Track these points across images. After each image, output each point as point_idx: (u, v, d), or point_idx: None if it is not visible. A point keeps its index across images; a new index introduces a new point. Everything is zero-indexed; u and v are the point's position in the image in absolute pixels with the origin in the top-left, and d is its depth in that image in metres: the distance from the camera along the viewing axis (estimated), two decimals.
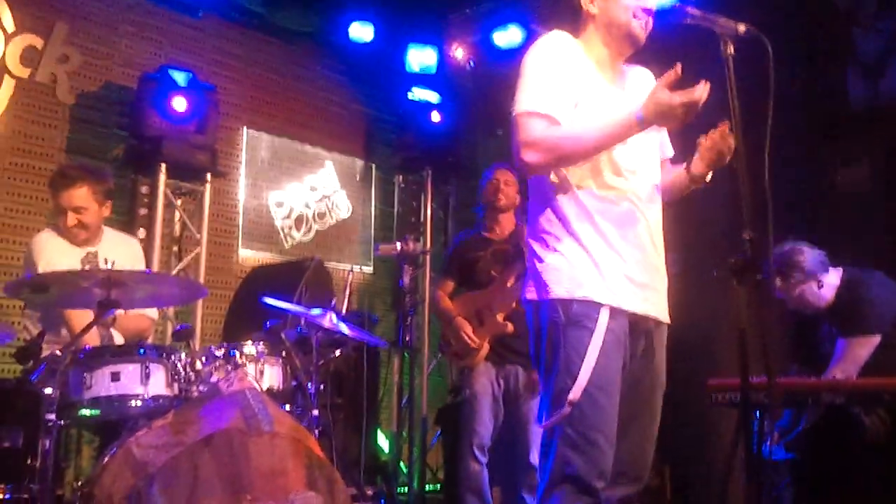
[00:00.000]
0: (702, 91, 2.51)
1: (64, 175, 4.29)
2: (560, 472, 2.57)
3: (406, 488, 5.69)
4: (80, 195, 4.21)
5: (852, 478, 4.18)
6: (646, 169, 2.81)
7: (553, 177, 2.73)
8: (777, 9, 5.84)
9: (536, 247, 2.75)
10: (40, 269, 4.04)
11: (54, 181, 4.29)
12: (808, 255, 4.41)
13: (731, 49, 2.61)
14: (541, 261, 2.71)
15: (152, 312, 4.47)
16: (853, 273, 4.42)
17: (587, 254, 2.65)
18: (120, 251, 4.34)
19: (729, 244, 2.61)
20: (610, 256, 2.66)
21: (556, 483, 2.58)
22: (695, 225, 5.06)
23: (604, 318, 2.58)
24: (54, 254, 4.14)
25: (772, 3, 5.81)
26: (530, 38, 6.93)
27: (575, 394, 2.53)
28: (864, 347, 4.18)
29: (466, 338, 4.55)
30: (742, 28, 2.58)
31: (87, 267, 4.06)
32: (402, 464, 5.11)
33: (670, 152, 3.01)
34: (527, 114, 2.65)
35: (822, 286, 4.39)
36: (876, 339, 4.18)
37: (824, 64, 6.10)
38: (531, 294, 2.73)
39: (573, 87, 2.69)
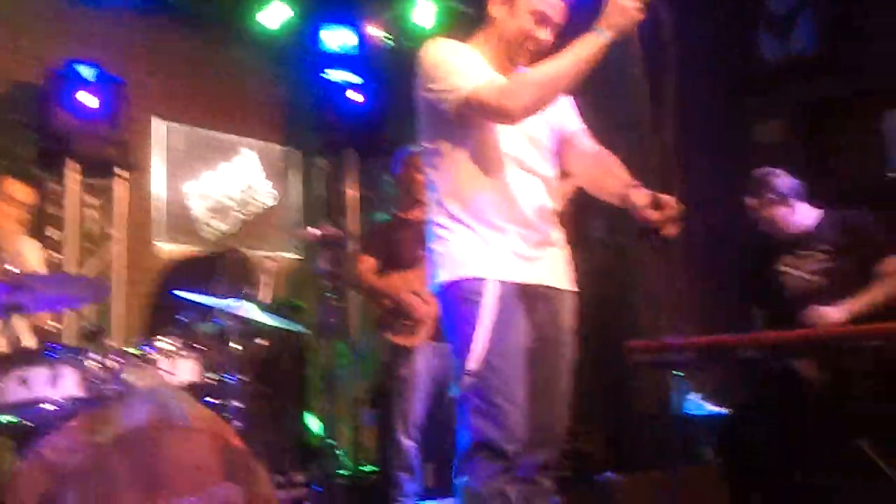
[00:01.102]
0: None
1: None
2: (473, 439, 2.66)
3: (342, 471, 5.67)
4: (16, 187, 4.20)
5: (781, 427, 4.23)
6: (530, 147, 2.86)
7: (436, 164, 2.84)
8: None
9: (429, 236, 2.88)
10: None
11: None
12: (784, 179, 4.40)
13: None
14: (431, 250, 2.85)
15: None
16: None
17: (472, 234, 2.75)
18: (26, 252, 4.25)
19: None
20: (492, 234, 2.75)
21: (469, 451, 2.68)
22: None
23: (490, 290, 2.67)
24: None
25: None
26: (446, 15, 6.94)
27: (471, 364, 2.62)
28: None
29: (419, 308, 4.52)
30: None
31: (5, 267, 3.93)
32: (335, 448, 5.11)
33: (575, 125, 3.02)
34: (474, 89, 2.67)
35: (795, 213, 4.37)
36: None
37: (735, 21, 6.16)
38: (431, 284, 2.86)
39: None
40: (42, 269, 4.33)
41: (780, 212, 4.37)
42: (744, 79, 6.12)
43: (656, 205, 2.58)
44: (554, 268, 2.86)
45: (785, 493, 4.00)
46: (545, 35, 2.83)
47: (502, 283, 2.69)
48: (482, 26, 2.92)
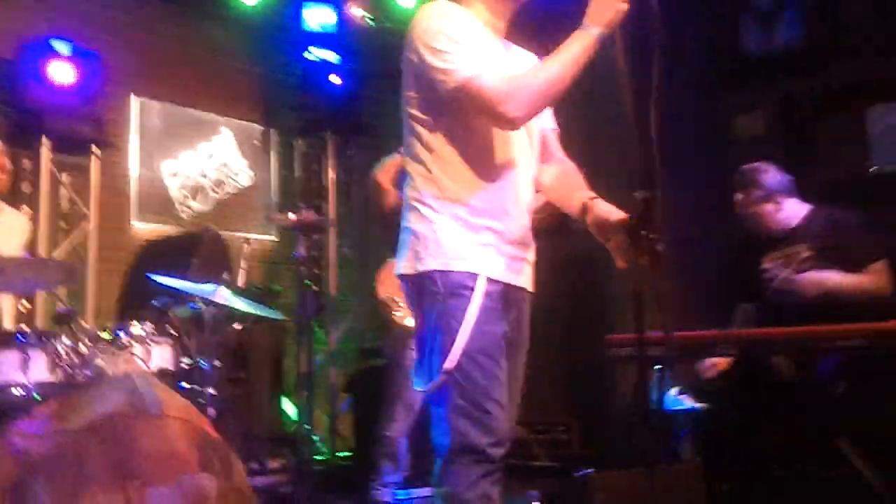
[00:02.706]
0: None
1: None
2: (457, 442, 2.55)
3: (318, 457, 5.64)
4: None
5: (757, 423, 4.24)
6: (525, 139, 2.78)
7: (427, 143, 2.67)
8: None
9: (411, 217, 2.69)
10: None
11: None
12: (773, 174, 4.34)
13: None
14: (410, 231, 2.67)
15: None
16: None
17: (463, 223, 2.62)
18: (12, 224, 4.20)
19: (628, 200, 2.60)
20: (485, 226, 2.64)
21: (454, 454, 2.56)
22: (602, 183, 5.07)
23: (480, 286, 2.57)
24: None
25: None
26: None
27: (450, 362, 2.51)
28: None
29: None
30: None
31: None
32: (308, 430, 5.07)
33: (551, 124, 2.97)
34: (473, 77, 2.55)
35: (781, 209, 4.32)
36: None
37: (719, 11, 6.14)
38: (407, 268, 2.67)
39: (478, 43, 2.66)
40: (23, 245, 4.23)
41: (767, 209, 4.32)
42: (727, 71, 6.11)
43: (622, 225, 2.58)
44: (529, 269, 2.79)
45: (762, 488, 4.01)
46: None
47: (490, 280, 2.59)
48: None
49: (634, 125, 2.54)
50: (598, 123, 4.55)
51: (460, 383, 2.53)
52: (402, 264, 2.69)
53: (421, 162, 2.69)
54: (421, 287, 2.64)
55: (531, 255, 2.80)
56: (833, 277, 4.10)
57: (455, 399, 2.54)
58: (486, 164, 2.66)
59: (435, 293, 2.59)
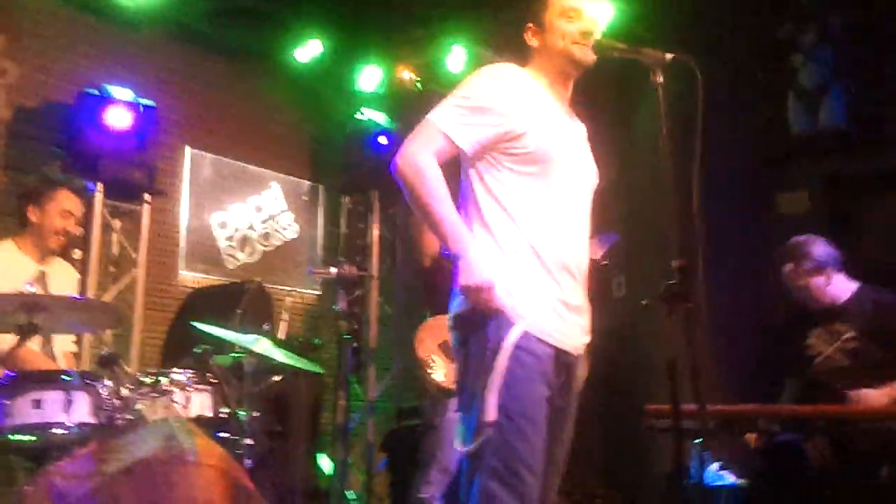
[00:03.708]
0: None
1: (50, 181, 4.33)
2: None
3: None
4: (72, 200, 4.22)
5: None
6: (578, 199, 2.80)
7: (489, 189, 2.70)
8: (720, 37, 5.91)
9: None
10: None
11: (39, 187, 4.29)
12: (822, 247, 4.32)
13: (659, 77, 2.66)
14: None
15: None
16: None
17: (521, 267, 2.62)
18: (65, 275, 4.30)
19: (663, 271, 2.61)
20: (543, 275, 2.64)
21: None
22: (638, 247, 5.09)
23: (532, 344, 2.55)
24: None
25: (715, 31, 5.89)
26: (477, 61, 6.98)
27: (489, 415, 2.48)
28: None
29: None
30: (669, 56, 2.62)
31: (30, 288, 3.92)
32: (347, 491, 5.04)
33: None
34: (434, 125, 2.66)
35: (831, 283, 4.28)
36: None
37: (766, 92, 6.18)
38: (456, 308, 2.67)
39: (498, 117, 2.68)
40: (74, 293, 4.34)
41: (818, 281, 4.28)
42: (771, 149, 6.12)
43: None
44: (584, 330, 2.75)
45: None
46: (584, 25, 2.81)
47: (538, 340, 2.56)
48: (530, 59, 2.89)
49: (675, 196, 2.56)
50: (637, 192, 4.59)
51: (496, 444, 2.48)
52: (455, 307, 2.69)
53: (479, 211, 2.72)
54: (469, 333, 2.61)
55: (586, 321, 2.77)
56: (885, 393, 3.99)
57: (489, 459, 2.49)
58: (543, 223, 2.67)
59: (484, 345, 2.55)
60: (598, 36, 2.81)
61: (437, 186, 2.60)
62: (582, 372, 2.78)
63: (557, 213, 2.69)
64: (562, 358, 2.65)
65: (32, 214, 4.21)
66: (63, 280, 4.29)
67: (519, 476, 2.48)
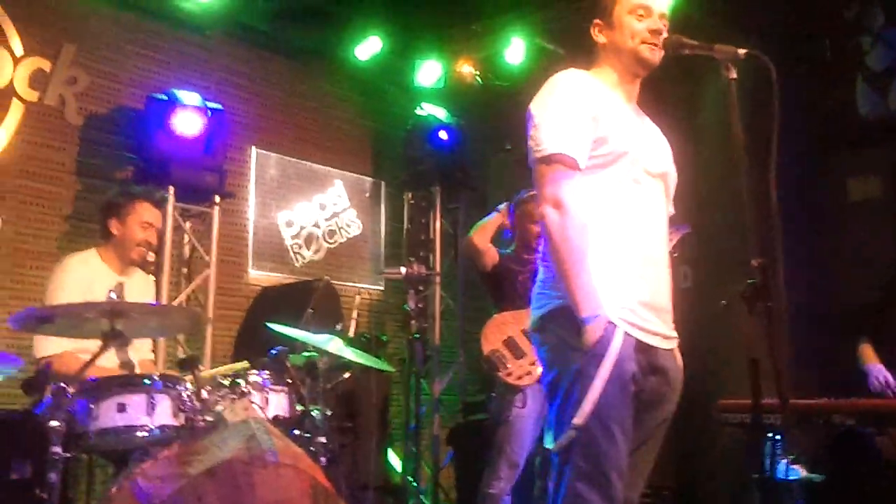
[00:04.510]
0: None
1: (130, 193, 4.37)
2: None
3: None
4: (151, 211, 4.31)
5: (867, 498, 4.12)
6: (660, 200, 2.79)
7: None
8: (787, 21, 5.81)
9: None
10: (49, 297, 4.05)
11: (119, 200, 4.35)
12: None
13: (732, 73, 2.62)
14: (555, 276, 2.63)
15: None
16: None
17: (605, 268, 2.59)
18: (143, 285, 4.39)
19: (738, 264, 2.59)
20: (632, 276, 2.62)
21: None
22: (706, 238, 5.04)
23: (618, 339, 2.51)
24: (78, 280, 4.13)
25: (781, 15, 5.78)
26: (537, 54, 6.96)
27: (579, 418, 2.45)
28: None
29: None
30: (742, 52, 2.58)
31: (112, 296, 4.00)
32: (414, 484, 5.08)
33: None
34: (556, 156, 2.60)
35: None
36: None
37: (834, 75, 6.07)
38: (543, 308, 2.66)
39: (592, 123, 2.66)
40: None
41: None
42: (841, 134, 6.01)
43: None
44: (670, 328, 2.71)
45: None
46: (654, 24, 2.76)
47: (628, 333, 2.53)
48: (595, 55, 2.87)
49: (751, 193, 2.53)
50: (711, 191, 4.54)
51: (586, 445, 2.47)
52: (540, 305, 2.67)
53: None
54: (560, 333, 2.59)
55: (670, 315, 2.73)
56: None
57: (578, 460, 2.49)
58: (630, 220, 2.66)
59: (578, 344, 2.51)
60: (666, 34, 2.78)
61: (577, 248, 2.55)
62: (676, 369, 2.74)
63: (642, 210, 2.69)
64: (654, 358, 2.64)
65: (114, 227, 4.29)
66: (140, 291, 4.37)
67: (608, 478, 2.47)
